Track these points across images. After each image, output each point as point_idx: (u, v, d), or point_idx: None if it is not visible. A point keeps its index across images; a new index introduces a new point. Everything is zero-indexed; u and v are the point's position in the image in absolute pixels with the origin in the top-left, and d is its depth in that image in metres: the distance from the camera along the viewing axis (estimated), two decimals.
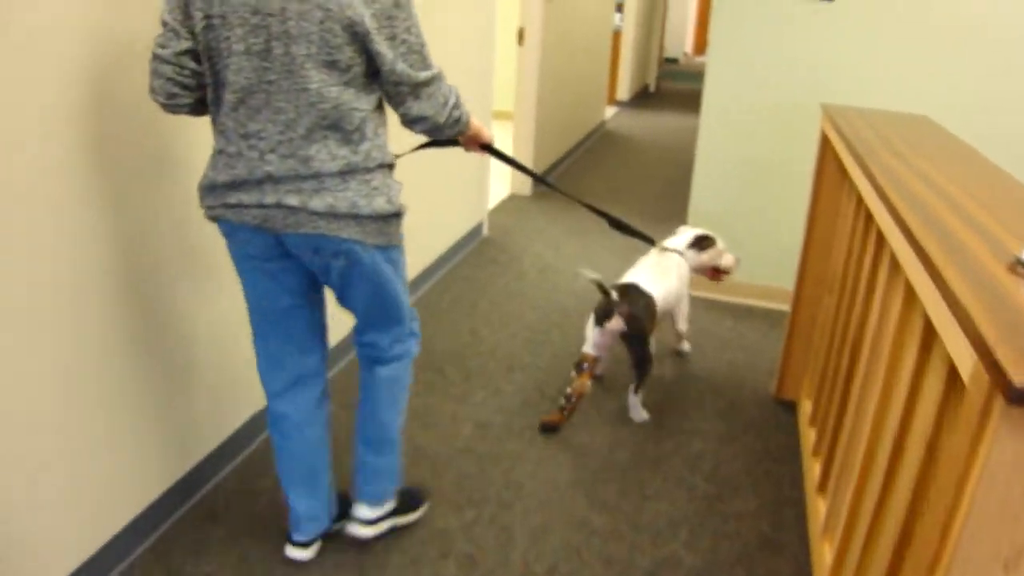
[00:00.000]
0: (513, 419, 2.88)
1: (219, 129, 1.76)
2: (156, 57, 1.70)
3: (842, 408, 2.25)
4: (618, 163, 6.94)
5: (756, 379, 3.28)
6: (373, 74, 1.74)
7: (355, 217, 1.76)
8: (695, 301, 3.98)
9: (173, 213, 2.14)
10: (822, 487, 2.38)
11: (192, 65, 1.72)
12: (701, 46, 15.79)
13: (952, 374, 1.35)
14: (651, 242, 3.02)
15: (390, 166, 1.84)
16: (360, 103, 1.73)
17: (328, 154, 1.72)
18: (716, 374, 3.30)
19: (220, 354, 2.43)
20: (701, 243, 3.19)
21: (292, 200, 1.73)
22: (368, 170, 1.77)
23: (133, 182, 1.99)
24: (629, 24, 9.55)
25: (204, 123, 2.15)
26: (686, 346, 3.46)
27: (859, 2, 3.45)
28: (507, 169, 6.12)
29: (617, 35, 9.57)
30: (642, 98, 10.93)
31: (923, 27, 3.44)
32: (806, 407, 2.86)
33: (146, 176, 2.03)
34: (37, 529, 1.84)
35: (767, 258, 3.95)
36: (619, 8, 9.49)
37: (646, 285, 2.86)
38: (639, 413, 2.92)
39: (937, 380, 1.42)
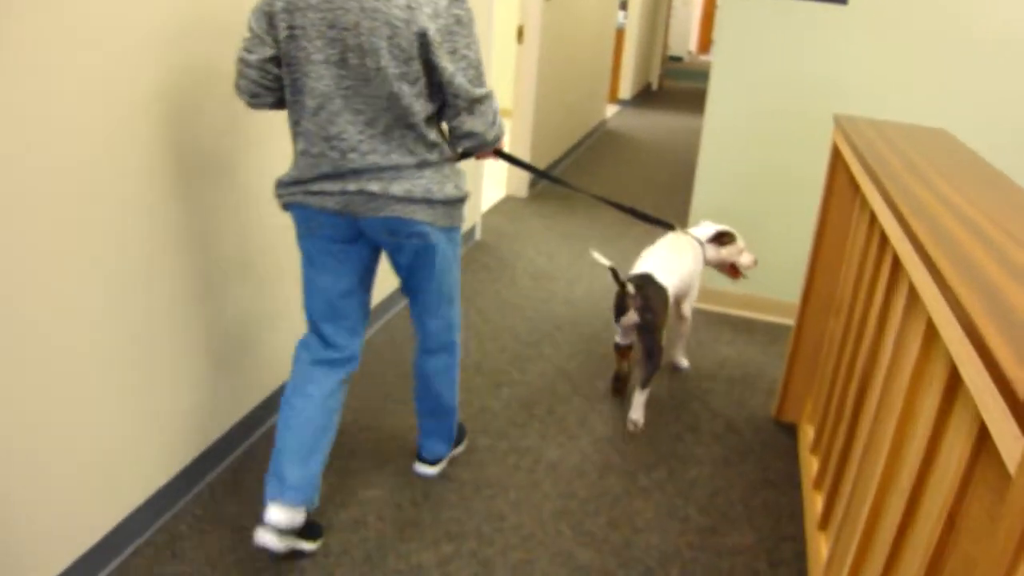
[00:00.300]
0: (498, 442, 2.72)
1: (301, 132, 1.91)
2: (242, 61, 1.88)
3: (848, 443, 2.10)
4: (618, 163, 6.77)
5: (755, 399, 3.13)
6: (434, 85, 1.88)
7: (428, 202, 1.96)
8: (695, 313, 3.82)
9: (230, 216, 2.33)
10: (824, 524, 2.22)
11: (275, 71, 1.89)
12: (706, 44, 15.61)
13: (983, 433, 1.19)
14: (671, 227, 3.03)
15: (454, 159, 2.04)
16: (428, 110, 1.90)
17: (406, 150, 1.91)
18: (714, 393, 3.14)
19: (244, 343, 2.56)
20: (722, 238, 3.11)
21: (374, 187, 1.91)
22: (440, 163, 1.98)
23: (199, 184, 2.16)
24: (633, 22, 9.37)
25: (262, 135, 2.31)
26: (684, 362, 3.31)
27: (873, 6, 3.29)
28: (503, 170, 5.96)
29: (620, 33, 9.38)
30: (645, 97, 10.76)
31: (940, 35, 3.28)
32: (807, 432, 2.71)
33: (210, 180, 2.20)
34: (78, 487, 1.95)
35: (769, 270, 3.80)
36: (623, 6, 9.31)
37: (660, 274, 2.81)
38: (639, 413, 2.85)
39: (963, 437, 1.26)
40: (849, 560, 1.82)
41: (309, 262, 2.06)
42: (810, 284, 2.74)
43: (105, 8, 1.74)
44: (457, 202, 2.04)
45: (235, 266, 2.38)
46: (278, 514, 2.00)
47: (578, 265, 4.34)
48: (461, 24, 1.83)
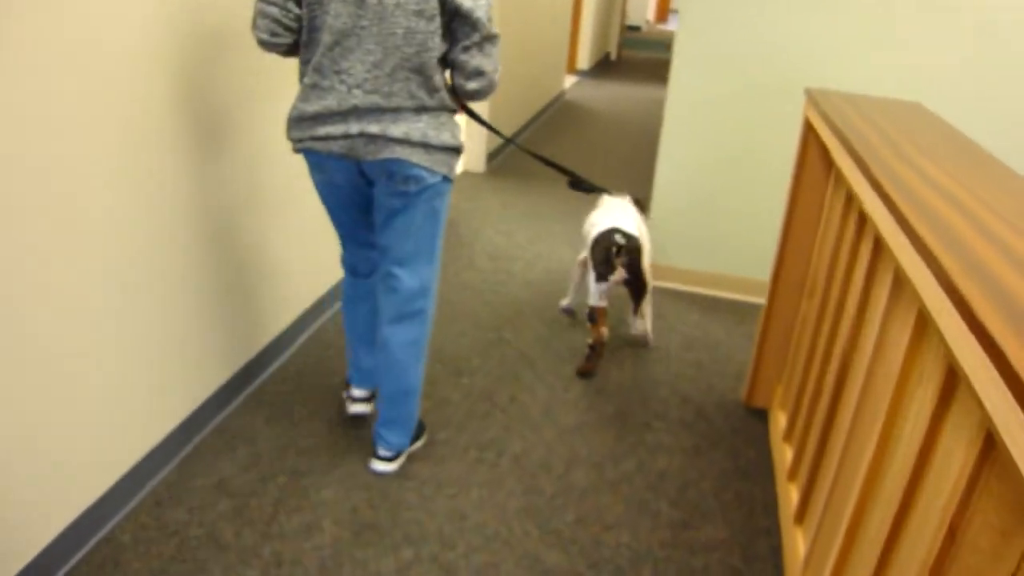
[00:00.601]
0: (460, 434, 2.59)
1: (314, 67, 1.98)
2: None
3: (825, 434, 2.00)
4: (578, 136, 6.62)
5: (724, 383, 3.03)
6: (450, 23, 1.96)
7: (425, 146, 2.02)
8: (661, 292, 3.72)
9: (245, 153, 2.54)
10: (800, 518, 2.13)
11: (296, 10, 1.96)
12: (664, 13, 15.47)
13: (989, 441, 1.09)
14: (606, 192, 3.21)
15: (453, 111, 2.10)
16: (437, 51, 1.96)
17: (408, 93, 1.98)
18: (681, 378, 3.04)
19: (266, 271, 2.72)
20: (639, 203, 3.31)
21: (373, 128, 1.98)
22: (438, 111, 2.04)
23: (217, 123, 2.30)
24: None
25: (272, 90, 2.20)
26: (642, 327, 3.20)
27: None
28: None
29: (578, 2, 9.19)
30: (603, 67, 10.60)
31: (912, 5, 3.17)
32: (779, 419, 2.62)
33: (228, 119, 2.35)
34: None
35: (735, 247, 3.70)
36: None
37: (626, 227, 2.94)
38: (643, 326, 3.18)
39: (964, 443, 1.15)
40: (831, 560, 1.73)
41: (324, 199, 2.24)
42: (780, 264, 2.63)
43: None
44: (452, 151, 2.10)
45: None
46: (359, 391, 2.58)
47: (537, 244, 4.20)
48: None
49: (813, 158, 2.43)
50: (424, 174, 2.04)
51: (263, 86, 2.51)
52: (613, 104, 8.21)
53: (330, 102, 1.98)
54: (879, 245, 1.76)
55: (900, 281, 1.57)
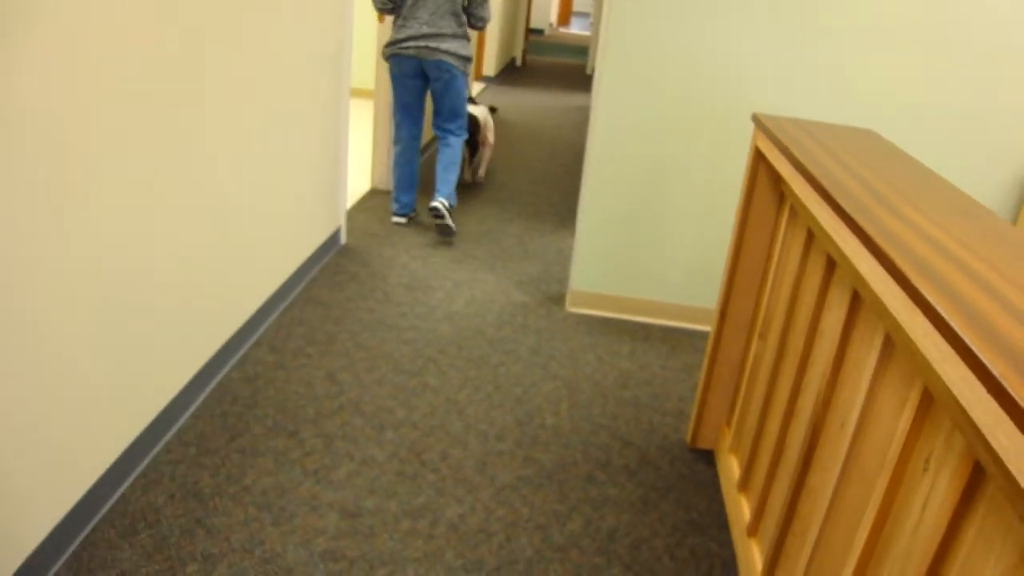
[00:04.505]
0: (389, 501, 2.32)
1: (402, 15, 4.00)
2: None
3: (796, 495, 1.83)
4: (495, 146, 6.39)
5: (665, 423, 2.86)
6: None
7: (456, 55, 4.07)
8: (587, 319, 3.53)
9: None
10: None
11: None
12: (566, 16, 15.42)
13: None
14: (474, 102, 5.33)
15: (468, 37, 4.14)
16: (464, 4, 4.06)
17: (449, 27, 4.00)
18: (620, 419, 2.85)
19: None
20: (492, 109, 5.53)
21: (432, 43, 3.98)
22: (462, 37, 4.07)
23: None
24: None
25: None
26: (479, 171, 5.44)
27: None
28: (367, 159, 5.50)
29: None
30: (510, 72, 10.42)
31: (849, 20, 3.07)
32: (731, 466, 2.45)
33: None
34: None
35: (665, 273, 3.54)
36: None
37: (476, 113, 5.15)
38: (480, 170, 5.45)
39: (994, 550, 0.97)
40: None
41: (395, 87, 4.21)
42: (727, 299, 2.47)
43: None
44: (469, 59, 4.16)
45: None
46: (399, 218, 4.51)
47: (457, 271, 3.95)
48: None
49: (764, 191, 2.27)
50: (455, 69, 4.11)
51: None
52: (524, 112, 8.02)
53: (410, 31, 3.98)
54: (859, 300, 1.59)
55: (895, 346, 1.40)
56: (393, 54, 4.00)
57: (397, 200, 4.42)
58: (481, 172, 5.43)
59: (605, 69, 3.24)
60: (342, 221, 4.09)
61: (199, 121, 2.40)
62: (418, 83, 4.13)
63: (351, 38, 3.82)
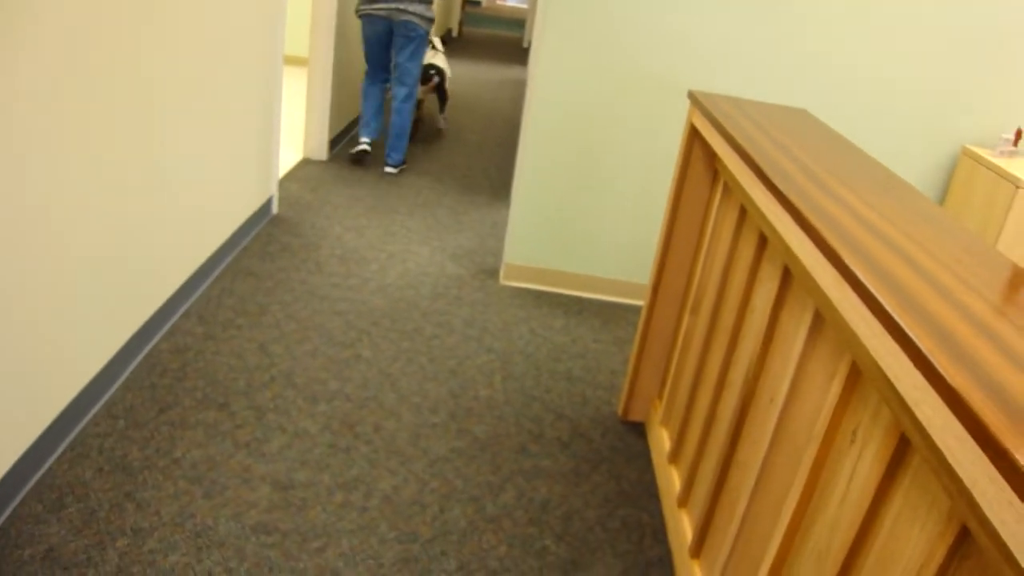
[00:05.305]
0: (322, 473, 2.30)
1: None
2: None
3: (725, 468, 1.88)
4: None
5: (598, 396, 2.90)
6: None
7: (421, 16, 4.59)
8: (525, 293, 3.54)
9: None
10: (696, 551, 2.02)
11: None
12: None
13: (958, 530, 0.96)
14: (433, 47, 5.71)
15: (433, 2, 4.68)
16: None
17: None
18: (553, 391, 2.88)
19: None
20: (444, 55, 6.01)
21: (401, 5, 4.50)
22: (428, 0, 4.63)
23: None
24: None
25: None
26: (441, 120, 6.10)
27: None
28: (299, 130, 5.40)
29: None
30: (447, 44, 10.30)
31: (792, 1, 3.13)
32: (662, 438, 2.51)
33: None
34: None
35: (599, 248, 3.57)
36: None
37: (436, 62, 5.58)
38: (442, 121, 6.13)
39: (919, 519, 1.02)
40: None
41: (365, 43, 4.75)
42: (660, 274, 2.51)
43: None
44: (432, 20, 4.67)
45: None
46: (365, 140, 4.98)
47: (390, 243, 3.92)
48: None
49: (697, 165, 2.31)
50: (420, 30, 4.61)
51: None
52: (460, 84, 7.95)
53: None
54: (789, 276, 1.64)
55: (825, 321, 1.44)
56: (365, 13, 4.57)
57: (366, 125, 4.97)
58: (442, 122, 6.21)
59: (542, 42, 3.23)
60: (274, 191, 4.00)
61: (126, 87, 2.31)
62: (386, 40, 4.70)
63: (285, 3, 3.72)
